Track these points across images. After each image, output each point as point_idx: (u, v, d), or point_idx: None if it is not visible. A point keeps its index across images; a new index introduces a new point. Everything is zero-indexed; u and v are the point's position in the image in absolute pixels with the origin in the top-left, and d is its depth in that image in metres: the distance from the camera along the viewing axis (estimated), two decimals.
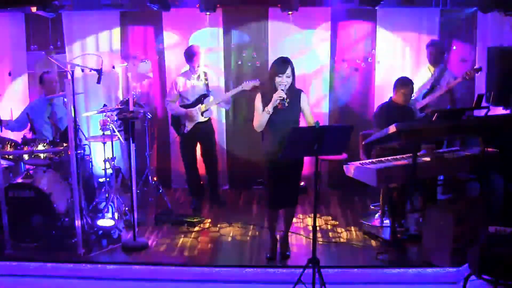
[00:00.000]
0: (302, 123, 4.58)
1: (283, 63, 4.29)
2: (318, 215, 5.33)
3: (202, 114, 5.80)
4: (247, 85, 5.56)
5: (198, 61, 5.77)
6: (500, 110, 5.28)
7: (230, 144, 6.69)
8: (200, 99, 5.81)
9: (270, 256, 4.68)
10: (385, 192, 5.14)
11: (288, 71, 4.27)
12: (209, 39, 6.47)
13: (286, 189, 4.50)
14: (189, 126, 5.79)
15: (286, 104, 4.22)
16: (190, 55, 5.73)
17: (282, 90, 4.23)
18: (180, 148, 6.01)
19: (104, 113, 5.56)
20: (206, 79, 5.86)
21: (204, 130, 5.90)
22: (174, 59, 6.57)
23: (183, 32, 6.52)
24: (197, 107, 5.78)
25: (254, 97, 4.52)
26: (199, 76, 5.83)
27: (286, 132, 3.81)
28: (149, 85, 6.65)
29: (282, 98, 4.20)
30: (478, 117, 5.32)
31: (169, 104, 5.84)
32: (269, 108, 4.28)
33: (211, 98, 5.84)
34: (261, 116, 4.35)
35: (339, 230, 5.38)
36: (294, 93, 4.38)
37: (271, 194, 4.53)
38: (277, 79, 4.28)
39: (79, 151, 5.22)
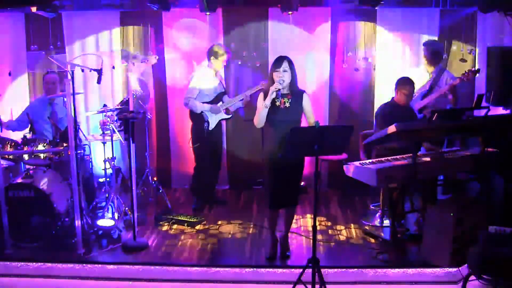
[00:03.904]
0: (304, 124, 4.59)
1: (279, 59, 4.36)
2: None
3: (224, 111, 5.84)
4: (266, 84, 5.62)
5: (224, 61, 5.79)
6: (500, 110, 5.28)
7: (230, 144, 6.69)
8: (220, 97, 5.83)
9: (270, 256, 4.67)
10: (385, 192, 5.14)
11: (284, 65, 4.31)
12: (209, 38, 6.47)
13: (287, 189, 4.50)
14: (212, 123, 5.79)
15: (287, 104, 4.22)
16: (217, 53, 5.72)
17: (279, 83, 4.26)
18: (199, 147, 5.84)
19: (104, 113, 5.56)
20: (221, 78, 5.90)
21: (216, 130, 5.91)
22: (174, 59, 6.58)
23: (183, 32, 6.52)
24: (219, 104, 5.79)
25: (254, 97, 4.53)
26: (216, 74, 5.85)
27: (287, 132, 3.81)
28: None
29: (278, 89, 4.23)
30: (478, 117, 5.32)
31: (190, 100, 5.74)
32: (267, 102, 4.30)
33: (235, 98, 5.92)
34: (259, 112, 4.37)
35: (339, 230, 5.37)
36: (296, 93, 4.40)
37: (272, 194, 4.53)
38: (275, 75, 4.32)
39: (79, 151, 5.22)
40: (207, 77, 5.79)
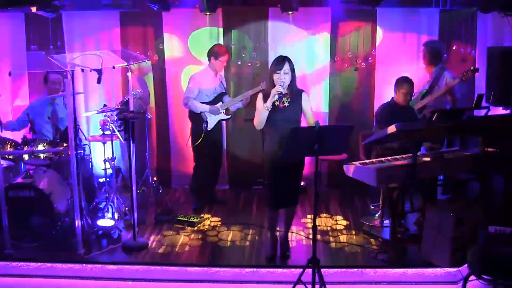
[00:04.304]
0: (303, 123, 4.59)
1: (280, 61, 4.33)
2: (318, 215, 5.37)
3: (225, 112, 5.84)
4: (265, 85, 5.61)
5: (225, 61, 5.79)
6: (500, 110, 5.28)
7: (230, 144, 6.69)
8: (220, 97, 5.82)
9: (270, 256, 4.67)
10: (385, 192, 5.14)
11: (286, 67, 4.30)
12: (209, 39, 6.46)
13: (287, 189, 4.51)
14: (211, 123, 5.79)
15: (286, 104, 4.23)
16: (218, 53, 5.72)
17: (280, 85, 4.25)
18: (195, 146, 5.88)
19: (104, 113, 5.56)
20: (221, 78, 5.90)
21: (216, 130, 5.90)
22: (174, 59, 6.58)
23: (183, 32, 6.52)
24: (218, 104, 5.79)
25: (254, 98, 4.54)
26: (216, 74, 5.85)
27: (287, 132, 3.81)
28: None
29: (279, 92, 4.23)
30: (478, 117, 5.32)
31: (190, 100, 5.74)
32: (268, 104, 4.29)
33: (233, 97, 5.94)
34: (259, 114, 4.37)
35: (339, 230, 5.37)
36: (295, 92, 4.40)
37: (272, 194, 4.53)
38: (275, 76, 4.31)
39: (79, 151, 5.22)
40: (207, 77, 5.79)
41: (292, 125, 4.17)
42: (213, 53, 5.75)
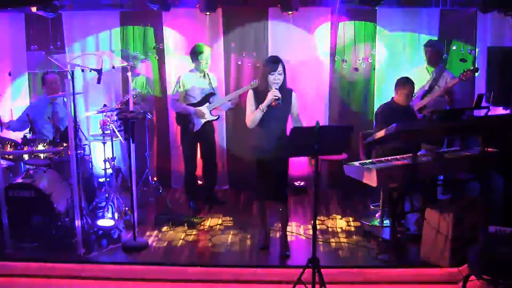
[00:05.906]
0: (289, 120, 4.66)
1: (275, 61, 4.43)
2: (318, 215, 5.38)
3: (211, 113, 5.82)
4: (255, 84, 5.59)
5: (205, 59, 5.75)
6: (500, 110, 5.29)
7: (230, 144, 6.69)
8: (207, 98, 5.81)
9: (263, 246, 4.75)
10: (385, 192, 5.14)
11: (280, 68, 4.39)
12: (209, 39, 6.47)
13: (272, 182, 4.57)
14: (198, 124, 5.78)
15: (278, 102, 4.31)
16: (197, 53, 5.71)
17: (276, 89, 4.34)
18: (184, 148, 5.94)
19: (104, 113, 5.56)
20: (210, 78, 5.89)
21: (207, 130, 5.90)
22: (174, 59, 6.58)
23: (183, 32, 6.52)
24: (205, 105, 5.78)
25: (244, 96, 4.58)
26: (204, 75, 5.84)
27: (274, 129, 3.96)
28: (150, 85, 6.65)
29: (277, 98, 4.31)
30: (478, 117, 5.32)
31: (175, 103, 5.76)
32: (264, 106, 4.38)
33: (220, 97, 5.91)
34: (254, 114, 4.46)
35: (339, 230, 5.38)
36: (285, 91, 4.48)
37: (259, 187, 4.63)
38: (270, 77, 4.39)
39: (79, 151, 5.22)
40: (193, 79, 5.77)
41: (281, 122, 4.46)
42: (192, 54, 5.74)
